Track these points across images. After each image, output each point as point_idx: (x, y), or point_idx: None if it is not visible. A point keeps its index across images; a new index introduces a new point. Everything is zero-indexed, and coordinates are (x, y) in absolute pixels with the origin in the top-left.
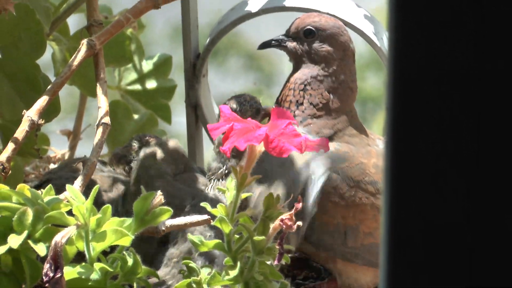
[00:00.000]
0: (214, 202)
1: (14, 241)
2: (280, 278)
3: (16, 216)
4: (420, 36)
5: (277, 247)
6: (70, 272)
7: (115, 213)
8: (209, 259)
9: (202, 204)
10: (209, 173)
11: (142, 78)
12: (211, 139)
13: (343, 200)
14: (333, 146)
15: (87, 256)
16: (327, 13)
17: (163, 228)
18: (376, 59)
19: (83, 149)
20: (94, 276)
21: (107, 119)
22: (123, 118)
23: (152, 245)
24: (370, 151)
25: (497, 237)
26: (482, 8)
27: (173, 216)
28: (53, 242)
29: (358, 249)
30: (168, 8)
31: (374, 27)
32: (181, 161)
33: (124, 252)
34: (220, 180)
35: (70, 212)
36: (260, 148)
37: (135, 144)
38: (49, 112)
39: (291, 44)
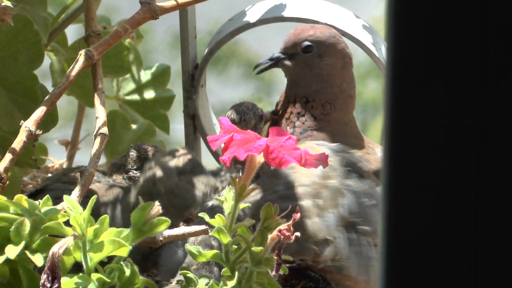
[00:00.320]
0: (216, 210)
1: (12, 251)
2: None
3: (13, 226)
4: (418, 45)
5: (275, 257)
6: (67, 283)
7: (113, 223)
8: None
9: (200, 214)
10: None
11: (140, 88)
12: (210, 149)
13: None
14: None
15: (84, 266)
16: (325, 23)
17: (161, 238)
18: (376, 67)
19: (82, 159)
20: (92, 286)
21: (105, 129)
22: (121, 128)
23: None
24: (369, 159)
25: (501, 239)
26: (482, 18)
27: (173, 216)
28: (50, 253)
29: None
30: (169, 16)
31: (372, 37)
32: (189, 161)
33: (122, 263)
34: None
35: (67, 223)
36: (260, 159)
37: (133, 154)
38: (47, 123)
39: (288, 63)
